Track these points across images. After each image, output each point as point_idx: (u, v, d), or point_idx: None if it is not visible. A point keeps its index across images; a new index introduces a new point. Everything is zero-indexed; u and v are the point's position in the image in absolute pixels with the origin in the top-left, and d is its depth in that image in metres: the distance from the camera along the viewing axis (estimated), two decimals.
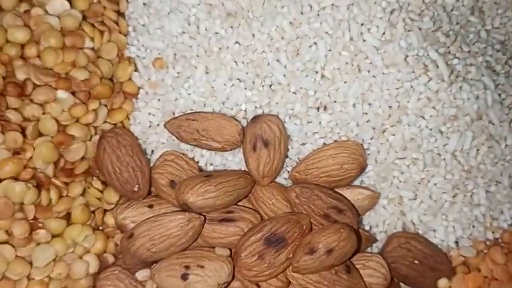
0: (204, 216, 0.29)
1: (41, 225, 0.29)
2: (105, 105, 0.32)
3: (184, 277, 0.29)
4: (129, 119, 0.32)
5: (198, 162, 0.32)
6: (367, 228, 0.33)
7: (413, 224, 0.33)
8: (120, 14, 0.33)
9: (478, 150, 0.32)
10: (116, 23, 0.33)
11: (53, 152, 0.29)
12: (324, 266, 0.29)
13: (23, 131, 0.29)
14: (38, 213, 0.29)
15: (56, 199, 0.29)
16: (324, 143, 0.31)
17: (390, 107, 0.31)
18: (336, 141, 0.31)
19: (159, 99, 0.32)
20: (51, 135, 0.30)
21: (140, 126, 0.32)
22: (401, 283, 0.33)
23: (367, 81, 0.30)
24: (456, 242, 0.33)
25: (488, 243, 0.33)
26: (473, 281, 0.32)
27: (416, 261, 0.32)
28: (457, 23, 0.33)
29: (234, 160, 0.32)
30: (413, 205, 0.32)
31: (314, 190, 0.30)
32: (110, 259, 0.31)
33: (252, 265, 0.29)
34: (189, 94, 0.31)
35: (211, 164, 0.32)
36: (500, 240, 0.33)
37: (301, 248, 0.29)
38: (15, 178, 0.29)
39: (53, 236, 0.30)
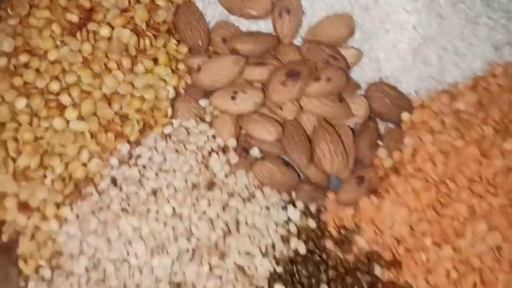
0: (246, 58, 0.44)
1: (139, 62, 0.44)
2: None
3: (233, 98, 0.44)
4: None
5: (240, 28, 0.47)
6: (355, 78, 0.47)
7: (386, 77, 0.47)
8: None
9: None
10: None
11: (146, 13, 0.44)
12: (326, 91, 0.43)
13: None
14: (137, 53, 0.44)
15: (149, 45, 0.43)
16: (327, 14, 0.46)
17: None
18: (334, 14, 0.46)
19: None
20: (145, 3, 0.44)
21: (202, 3, 0.47)
22: (377, 118, 0.48)
23: None
24: (416, 92, 0.48)
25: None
26: (427, 114, 0.46)
27: (387, 101, 0.46)
28: None
29: (266, 27, 0.46)
30: (386, 64, 0.47)
31: (319, 45, 0.45)
32: (182, 92, 0.46)
33: (278, 89, 0.43)
34: None
35: (248, 29, 0.47)
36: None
37: (311, 79, 0.43)
38: (124, 26, 0.43)
39: (146, 71, 0.44)
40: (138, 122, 0.43)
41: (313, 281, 0.41)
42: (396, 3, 0.45)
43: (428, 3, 0.46)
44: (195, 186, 0.41)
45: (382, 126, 0.47)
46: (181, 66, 0.46)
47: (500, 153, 0.42)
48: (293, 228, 0.43)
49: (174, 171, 0.40)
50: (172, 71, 0.45)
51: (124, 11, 0.43)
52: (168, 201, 0.39)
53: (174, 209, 0.39)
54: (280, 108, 0.44)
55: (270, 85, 0.43)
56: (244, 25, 0.46)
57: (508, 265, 0.39)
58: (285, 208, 0.43)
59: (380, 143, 0.46)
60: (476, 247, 0.40)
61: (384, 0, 0.45)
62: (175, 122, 0.44)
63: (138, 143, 0.43)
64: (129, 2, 0.43)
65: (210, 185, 0.41)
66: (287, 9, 0.44)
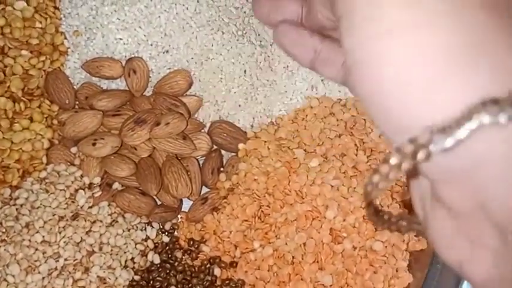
0: (103, 112, 0.55)
1: (16, 122, 0.55)
2: (49, 59, 0.57)
3: (94, 144, 0.55)
4: (63, 66, 0.58)
5: (102, 87, 0.58)
6: (200, 119, 0.59)
7: (226, 116, 0.59)
8: None
9: None
10: None
11: (20, 83, 0.55)
12: (166, 132, 0.54)
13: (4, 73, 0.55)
14: (14, 115, 0.55)
15: (24, 108, 0.55)
16: (169, 71, 0.57)
17: (203, 49, 0.57)
18: (175, 70, 0.57)
19: (78, 53, 0.58)
20: (19, 74, 0.55)
21: (69, 69, 0.58)
22: (220, 149, 0.59)
23: None
24: (251, 125, 0.59)
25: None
26: (257, 143, 0.57)
27: (225, 134, 0.58)
28: None
29: (123, 84, 0.58)
30: (224, 105, 0.58)
31: (162, 96, 0.56)
32: (56, 142, 0.57)
33: (129, 133, 0.54)
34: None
35: (108, 86, 0.58)
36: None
37: (154, 125, 0.55)
38: (1, 96, 0.54)
39: (23, 128, 0.55)
40: (18, 170, 0.54)
41: (165, 284, 0.52)
42: (223, 58, 0.57)
43: (250, 57, 0.57)
44: (61, 218, 0.51)
45: (228, 155, 0.58)
46: (55, 121, 0.57)
47: (306, 170, 0.53)
48: (150, 245, 0.53)
49: (44, 207, 0.51)
50: (49, 126, 0.56)
51: (1, 82, 0.54)
52: (38, 232, 0.50)
53: (43, 237, 0.50)
54: (135, 148, 0.55)
55: (122, 131, 0.54)
56: (105, 84, 0.58)
57: (310, 257, 0.50)
58: (144, 229, 0.54)
59: (222, 169, 0.57)
60: (289, 245, 0.51)
61: (214, 56, 0.57)
62: (49, 167, 0.54)
63: (18, 186, 0.53)
64: (5, 75, 0.55)
65: (75, 216, 0.51)
66: (133, 70, 0.56)
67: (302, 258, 0.51)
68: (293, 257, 0.51)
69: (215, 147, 0.58)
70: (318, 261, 0.50)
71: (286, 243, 0.51)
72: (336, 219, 0.50)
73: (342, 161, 0.53)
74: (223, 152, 0.58)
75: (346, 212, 0.51)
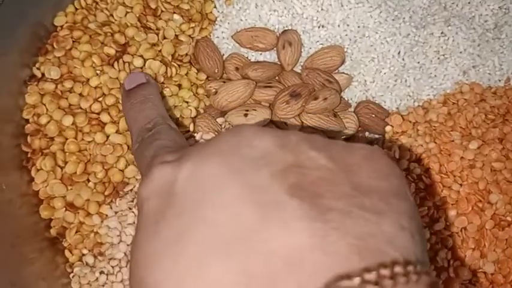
0: (256, 82, 0.56)
1: (166, 87, 0.56)
2: (198, 26, 0.58)
3: (245, 115, 0.55)
4: (210, 36, 0.59)
5: (249, 59, 0.59)
6: (346, 99, 0.59)
7: (373, 97, 0.59)
8: None
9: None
10: None
11: (172, 47, 0.56)
12: (322, 108, 0.55)
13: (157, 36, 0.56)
14: (165, 80, 0.55)
15: (174, 73, 0.56)
16: (322, 46, 0.58)
17: (359, 26, 0.58)
18: (328, 46, 0.58)
19: (228, 23, 0.59)
20: (170, 38, 0.56)
21: (217, 39, 0.59)
22: (365, 129, 0.59)
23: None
24: (397, 108, 0.60)
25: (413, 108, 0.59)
26: (405, 125, 0.58)
27: (373, 115, 0.58)
28: None
29: (270, 57, 0.58)
30: (372, 86, 0.59)
31: (316, 71, 0.57)
32: (201, 111, 0.57)
33: (282, 107, 0.55)
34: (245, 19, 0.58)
35: (256, 59, 0.59)
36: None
37: (310, 99, 0.55)
38: (154, 59, 0.55)
39: (172, 95, 0.56)
40: None
41: None
42: (379, 36, 0.57)
43: (405, 38, 0.58)
44: None
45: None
46: (200, 90, 0.57)
47: (463, 151, 0.53)
48: None
49: None
50: (194, 94, 0.57)
51: (153, 45, 0.55)
52: None
53: None
54: (285, 123, 0.56)
55: (275, 104, 0.55)
56: (253, 56, 0.59)
57: (472, 243, 0.50)
58: None
59: None
60: (447, 229, 0.51)
61: (369, 34, 0.57)
62: (197, 135, 0.55)
63: None
64: (157, 38, 0.55)
65: None
66: (289, 42, 0.56)
67: (462, 244, 0.51)
68: (452, 242, 0.51)
69: (361, 128, 0.58)
70: (479, 249, 0.50)
71: (444, 228, 0.51)
72: (498, 204, 0.51)
73: (502, 144, 0.53)
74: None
75: (510, 195, 0.51)
